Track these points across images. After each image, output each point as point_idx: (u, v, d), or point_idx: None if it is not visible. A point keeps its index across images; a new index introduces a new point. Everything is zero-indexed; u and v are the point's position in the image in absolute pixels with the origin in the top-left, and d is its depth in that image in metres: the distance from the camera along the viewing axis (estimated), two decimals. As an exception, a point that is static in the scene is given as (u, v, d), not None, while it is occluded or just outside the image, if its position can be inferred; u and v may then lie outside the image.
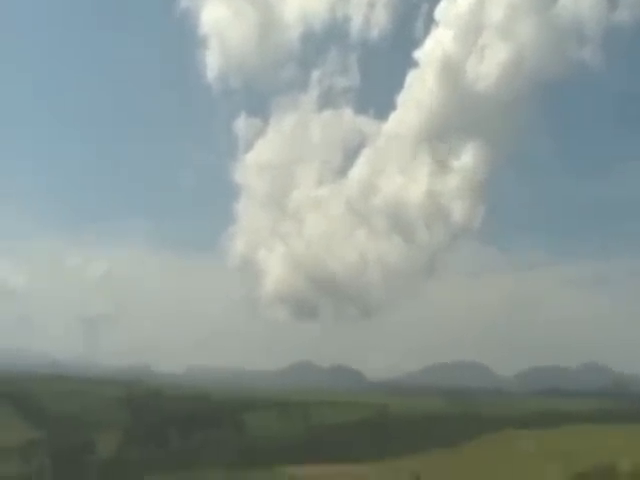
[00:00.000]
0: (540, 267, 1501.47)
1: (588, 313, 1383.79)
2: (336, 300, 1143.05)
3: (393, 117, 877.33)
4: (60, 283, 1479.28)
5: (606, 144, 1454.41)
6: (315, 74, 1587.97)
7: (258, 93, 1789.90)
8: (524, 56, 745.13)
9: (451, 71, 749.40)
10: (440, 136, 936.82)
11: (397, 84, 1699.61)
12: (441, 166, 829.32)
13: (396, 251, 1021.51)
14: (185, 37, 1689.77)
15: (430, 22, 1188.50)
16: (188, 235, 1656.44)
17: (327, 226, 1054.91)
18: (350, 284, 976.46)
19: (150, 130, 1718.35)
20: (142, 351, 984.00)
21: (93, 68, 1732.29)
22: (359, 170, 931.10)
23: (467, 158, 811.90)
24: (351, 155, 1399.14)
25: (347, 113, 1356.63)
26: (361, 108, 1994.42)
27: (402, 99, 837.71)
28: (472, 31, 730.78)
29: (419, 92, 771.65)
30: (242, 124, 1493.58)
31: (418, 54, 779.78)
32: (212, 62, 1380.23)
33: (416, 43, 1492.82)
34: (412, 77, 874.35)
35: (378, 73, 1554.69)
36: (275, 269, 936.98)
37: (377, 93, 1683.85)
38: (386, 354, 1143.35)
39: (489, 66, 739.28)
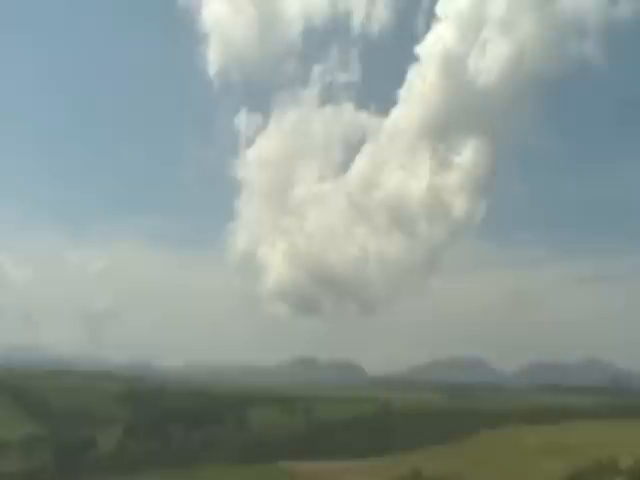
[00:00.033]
0: (541, 263, 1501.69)
1: (588, 309, 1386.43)
2: (337, 295, 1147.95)
3: (394, 112, 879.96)
4: (63, 279, 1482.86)
5: (608, 140, 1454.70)
6: (316, 69, 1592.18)
7: (259, 88, 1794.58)
8: (525, 51, 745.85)
9: (452, 66, 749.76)
10: (441, 132, 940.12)
11: (398, 79, 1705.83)
12: (442, 162, 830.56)
13: (397, 247, 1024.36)
14: (186, 33, 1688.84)
15: (431, 17, 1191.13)
16: (189, 231, 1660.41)
17: (328, 222, 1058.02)
18: (351, 279, 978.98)
19: (151, 126, 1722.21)
20: (144, 347, 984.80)
21: (93, 65, 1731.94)
22: (360, 166, 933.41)
23: (468, 154, 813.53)
24: (352, 150, 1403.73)
25: (348, 108, 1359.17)
26: (362, 103, 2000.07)
27: (403, 94, 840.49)
28: (473, 26, 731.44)
29: (420, 87, 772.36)
30: (243, 120, 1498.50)
31: (419, 49, 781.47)
32: (213, 58, 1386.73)
33: (417, 38, 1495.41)
34: (413, 72, 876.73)
35: (379, 68, 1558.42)
36: (276, 265, 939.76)
37: (378, 88, 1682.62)
38: (387, 349, 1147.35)
39: (490, 61, 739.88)
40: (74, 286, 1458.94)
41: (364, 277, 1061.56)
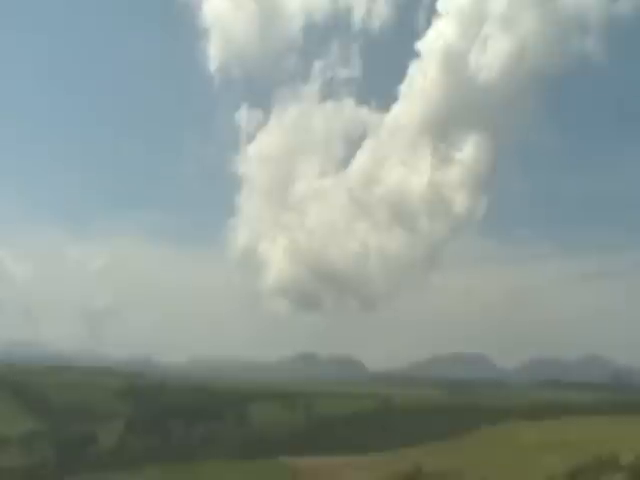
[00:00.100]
0: (542, 259, 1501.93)
1: (589, 306, 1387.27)
2: (338, 291, 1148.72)
3: (395, 108, 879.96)
4: (63, 275, 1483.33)
5: (609, 136, 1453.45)
6: (317, 65, 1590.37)
7: (260, 84, 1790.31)
8: (526, 47, 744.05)
9: (453, 62, 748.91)
10: (442, 127, 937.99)
11: (399, 75, 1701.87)
12: (443, 158, 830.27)
13: (398, 242, 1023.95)
14: (187, 29, 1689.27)
15: (432, 13, 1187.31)
16: (190, 227, 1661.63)
17: (329, 217, 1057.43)
18: (352, 275, 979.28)
19: (151, 122, 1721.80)
20: (145, 343, 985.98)
21: (94, 61, 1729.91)
22: (361, 161, 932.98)
23: (469, 150, 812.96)
24: (353, 146, 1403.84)
25: (349, 104, 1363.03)
26: (363, 99, 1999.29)
27: (404, 90, 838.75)
28: (474, 22, 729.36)
29: (421, 83, 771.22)
30: (244, 115, 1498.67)
31: (420, 45, 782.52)
32: (214, 53, 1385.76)
33: (418, 34, 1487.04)
34: (414, 68, 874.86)
35: (380, 64, 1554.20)
36: (277, 260, 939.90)
37: (379, 84, 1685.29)
38: (387, 345, 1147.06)
39: (491, 57, 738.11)
40: (74, 282, 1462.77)
41: (365, 273, 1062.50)
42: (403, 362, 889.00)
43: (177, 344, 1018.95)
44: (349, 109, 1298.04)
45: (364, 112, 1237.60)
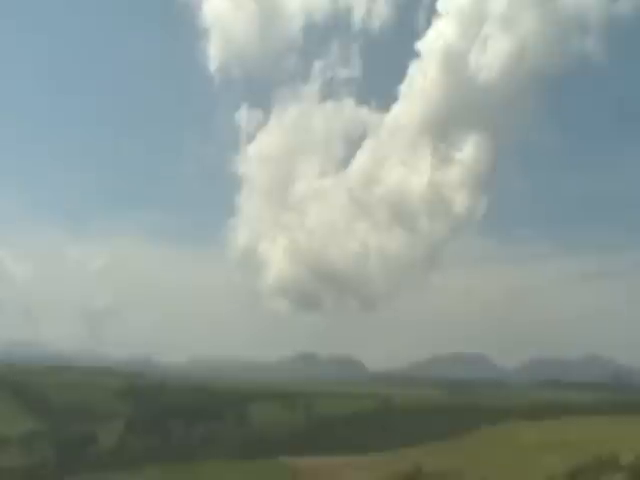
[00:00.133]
0: (541, 259, 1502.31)
1: (589, 305, 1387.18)
2: (338, 291, 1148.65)
3: (395, 108, 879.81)
4: (63, 275, 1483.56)
5: (609, 136, 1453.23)
6: (317, 65, 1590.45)
7: (260, 84, 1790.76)
8: (526, 47, 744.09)
9: (453, 62, 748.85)
10: (442, 127, 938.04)
11: (399, 75, 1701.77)
12: (443, 158, 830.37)
13: (398, 242, 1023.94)
14: (187, 29, 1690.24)
15: (432, 13, 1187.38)
16: (190, 227, 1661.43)
17: (329, 217, 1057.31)
18: (352, 275, 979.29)
19: (151, 122, 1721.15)
20: (144, 343, 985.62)
21: (94, 60, 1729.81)
22: (361, 161, 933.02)
23: (469, 150, 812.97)
24: (353, 146, 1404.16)
25: (349, 104, 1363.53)
26: (363, 99, 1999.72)
27: (404, 90, 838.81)
28: (474, 22, 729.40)
29: (421, 83, 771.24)
30: (244, 115, 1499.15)
31: (420, 45, 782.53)
32: (214, 53, 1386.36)
33: (418, 34, 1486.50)
34: (414, 68, 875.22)
35: (380, 64, 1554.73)
36: (277, 260, 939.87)
37: (379, 84, 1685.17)
38: (387, 345, 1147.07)
39: (491, 57, 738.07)
40: (74, 281, 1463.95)
41: (365, 273, 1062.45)
42: (403, 362, 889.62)
43: (177, 344, 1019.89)
44: (349, 109, 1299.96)
45: (364, 112, 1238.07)
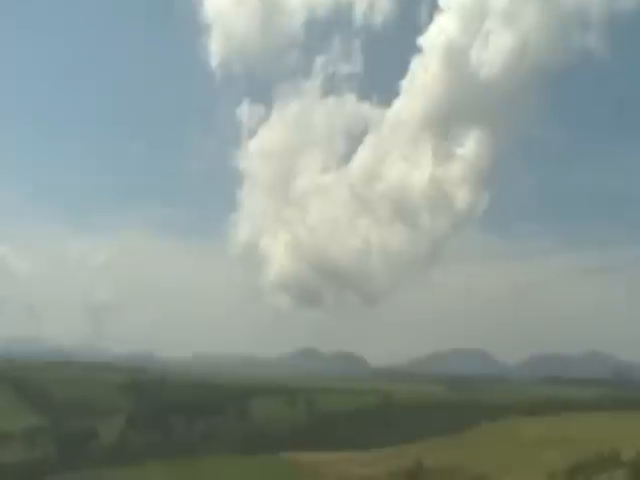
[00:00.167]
0: (543, 255, 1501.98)
1: (591, 302, 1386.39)
2: (339, 287, 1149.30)
3: (396, 104, 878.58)
4: (65, 270, 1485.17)
5: (611, 132, 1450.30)
6: (318, 61, 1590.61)
7: (261, 80, 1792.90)
8: (528, 43, 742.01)
9: (455, 58, 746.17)
10: (444, 123, 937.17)
11: (401, 70, 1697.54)
12: (444, 153, 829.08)
13: (399, 238, 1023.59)
14: (188, 25, 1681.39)
15: (434, 8, 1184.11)
16: (192, 222, 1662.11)
17: (330, 213, 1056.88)
18: (353, 271, 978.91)
19: (154, 117, 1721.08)
20: (147, 338, 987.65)
21: (96, 56, 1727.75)
22: (362, 157, 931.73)
23: (471, 145, 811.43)
24: (354, 142, 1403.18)
25: (350, 99, 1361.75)
26: (365, 94, 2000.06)
27: (406, 86, 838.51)
28: (476, 18, 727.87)
29: (423, 79, 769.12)
30: (245, 111, 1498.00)
31: (422, 40, 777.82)
32: (215, 49, 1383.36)
33: (420, 29, 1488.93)
34: (416, 63, 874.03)
35: (382, 59, 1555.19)
36: (278, 256, 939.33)
37: (381, 79, 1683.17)
38: (389, 341, 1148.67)
39: (493, 53, 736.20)
40: (76, 277, 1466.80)
41: (366, 269, 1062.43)
42: (404, 358, 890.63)
43: (178, 340, 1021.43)
44: (351, 104, 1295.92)
45: (366, 107, 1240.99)
